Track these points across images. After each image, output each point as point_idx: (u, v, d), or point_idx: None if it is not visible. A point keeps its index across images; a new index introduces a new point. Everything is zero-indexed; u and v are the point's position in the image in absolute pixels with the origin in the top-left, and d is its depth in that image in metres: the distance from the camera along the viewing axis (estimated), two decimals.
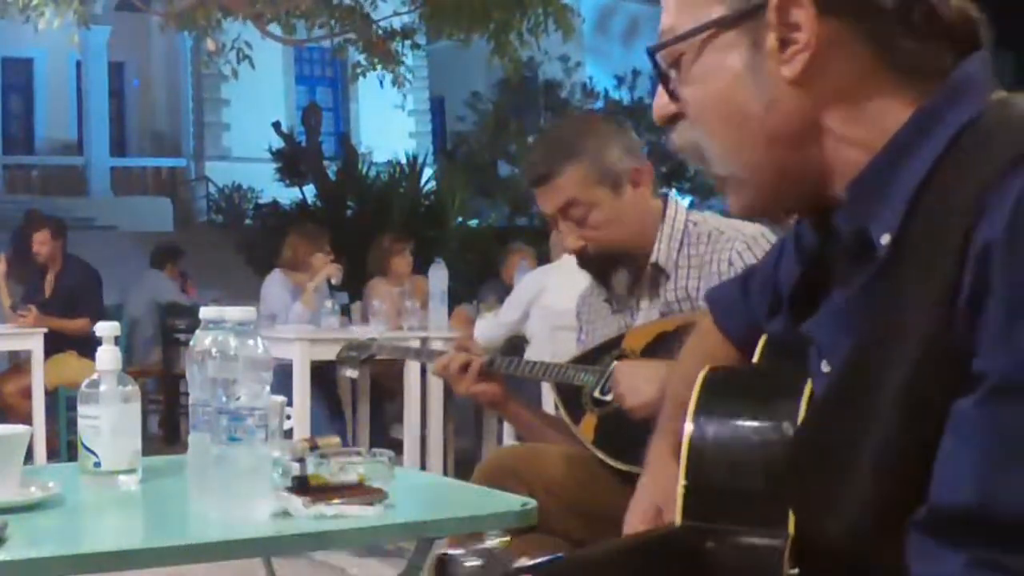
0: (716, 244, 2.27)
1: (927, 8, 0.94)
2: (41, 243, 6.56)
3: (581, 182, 2.27)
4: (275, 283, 6.40)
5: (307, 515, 1.59)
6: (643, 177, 2.31)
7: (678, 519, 1.09)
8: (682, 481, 1.08)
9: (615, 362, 2.28)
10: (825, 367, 0.99)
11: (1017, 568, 0.80)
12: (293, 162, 15.19)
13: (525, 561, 0.88)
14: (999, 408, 0.82)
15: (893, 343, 0.87)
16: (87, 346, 4.60)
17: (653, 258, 2.30)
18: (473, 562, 0.81)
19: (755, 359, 1.20)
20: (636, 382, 2.15)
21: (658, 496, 1.35)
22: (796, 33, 0.94)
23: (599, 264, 2.35)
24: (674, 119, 1.04)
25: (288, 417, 1.97)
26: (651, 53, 1.03)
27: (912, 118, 0.93)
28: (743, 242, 2.24)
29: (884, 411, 0.87)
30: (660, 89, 1.05)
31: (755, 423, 1.07)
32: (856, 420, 0.89)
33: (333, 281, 6.37)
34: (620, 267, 2.33)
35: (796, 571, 0.94)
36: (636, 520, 1.34)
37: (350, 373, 2.92)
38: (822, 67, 0.94)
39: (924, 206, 0.89)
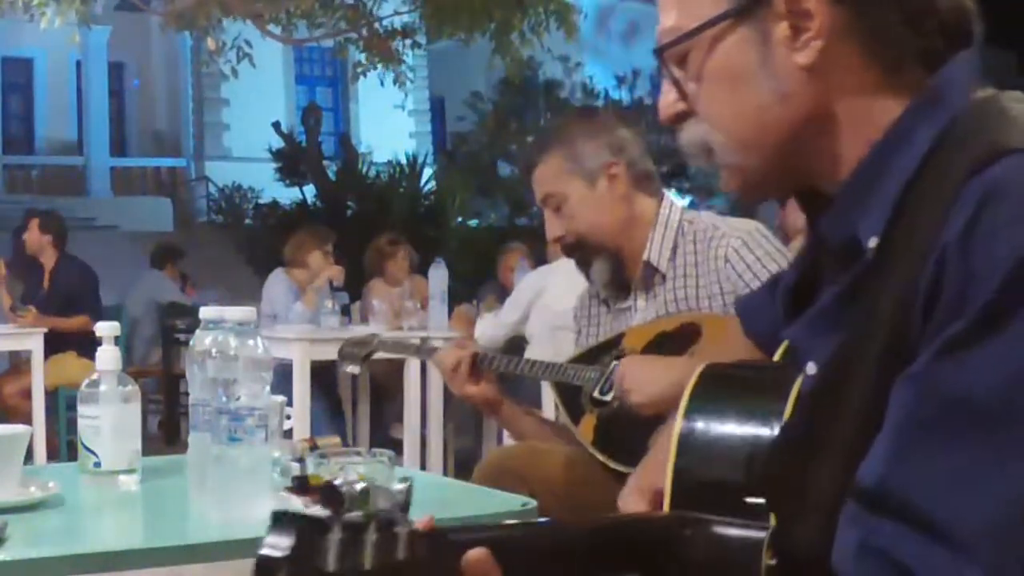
0: (712, 242, 2.27)
1: (923, 1, 0.95)
2: (29, 235, 6.60)
3: (555, 172, 2.34)
4: (277, 282, 6.39)
5: None
6: (619, 172, 2.32)
7: (666, 509, 1.10)
8: (670, 473, 1.09)
9: (617, 361, 2.27)
10: (811, 369, 1.01)
11: (900, 555, 0.82)
12: (293, 162, 15.19)
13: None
14: (910, 393, 0.84)
15: (868, 344, 0.90)
16: (87, 346, 4.60)
17: (645, 256, 2.31)
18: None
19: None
20: (642, 379, 2.14)
21: (657, 478, 1.33)
22: (808, 21, 0.95)
23: (579, 255, 2.40)
24: (680, 118, 1.05)
25: (288, 417, 1.97)
26: (658, 52, 1.03)
27: (899, 120, 0.95)
28: (739, 239, 2.24)
29: (853, 412, 0.90)
30: (665, 88, 1.05)
31: (743, 418, 1.08)
32: (830, 420, 0.92)
33: (334, 282, 6.37)
34: (597, 260, 2.36)
35: (775, 562, 0.94)
36: (632, 499, 1.33)
37: (352, 369, 2.94)
38: (831, 56, 0.95)
39: (907, 210, 0.91)
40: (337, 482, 0.85)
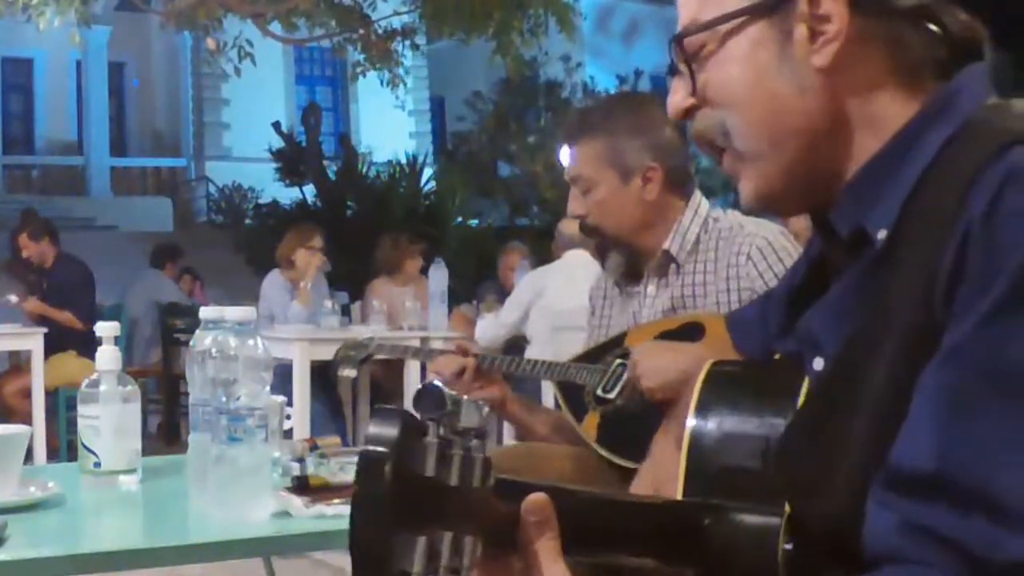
0: (736, 238, 2.26)
1: (936, 18, 0.98)
2: (24, 246, 6.63)
3: (592, 157, 2.32)
4: (273, 283, 6.39)
5: (307, 515, 1.59)
6: (655, 177, 2.31)
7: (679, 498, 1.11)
8: (683, 466, 1.10)
9: (620, 360, 2.28)
10: (818, 364, 1.02)
11: (947, 532, 0.81)
12: (293, 162, 15.19)
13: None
14: (952, 370, 0.84)
15: (883, 330, 0.90)
16: (87, 346, 4.60)
17: (666, 245, 2.31)
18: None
19: None
20: (656, 364, 2.14)
21: (658, 479, 1.34)
22: (826, 24, 0.97)
23: (597, 242, 2.41)
24: (689, 112, 1.06)
25: (288, 417, 1.97)
26: (677, 41, 1.05)
27: (911, 121, 0.97)
28: (764, 239, 2.24)
29: (871, 396, 0.90)
30: (675, 84, 1.07)
31: (754, 412, 1.10)
32: (846, 406, 0.92)
33: (320, 269, 6.32)
34: (613, 253, 2.37)
35: (790, 546, 0.95)
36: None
37: (348, 373, 2.94)
38: (848, 59, 0.98)
39: (917, 203, 0.93)
40: (437, 383, 0.82)
